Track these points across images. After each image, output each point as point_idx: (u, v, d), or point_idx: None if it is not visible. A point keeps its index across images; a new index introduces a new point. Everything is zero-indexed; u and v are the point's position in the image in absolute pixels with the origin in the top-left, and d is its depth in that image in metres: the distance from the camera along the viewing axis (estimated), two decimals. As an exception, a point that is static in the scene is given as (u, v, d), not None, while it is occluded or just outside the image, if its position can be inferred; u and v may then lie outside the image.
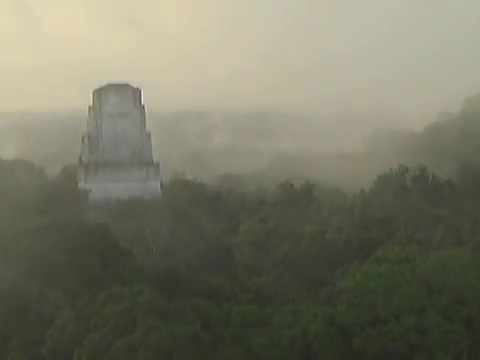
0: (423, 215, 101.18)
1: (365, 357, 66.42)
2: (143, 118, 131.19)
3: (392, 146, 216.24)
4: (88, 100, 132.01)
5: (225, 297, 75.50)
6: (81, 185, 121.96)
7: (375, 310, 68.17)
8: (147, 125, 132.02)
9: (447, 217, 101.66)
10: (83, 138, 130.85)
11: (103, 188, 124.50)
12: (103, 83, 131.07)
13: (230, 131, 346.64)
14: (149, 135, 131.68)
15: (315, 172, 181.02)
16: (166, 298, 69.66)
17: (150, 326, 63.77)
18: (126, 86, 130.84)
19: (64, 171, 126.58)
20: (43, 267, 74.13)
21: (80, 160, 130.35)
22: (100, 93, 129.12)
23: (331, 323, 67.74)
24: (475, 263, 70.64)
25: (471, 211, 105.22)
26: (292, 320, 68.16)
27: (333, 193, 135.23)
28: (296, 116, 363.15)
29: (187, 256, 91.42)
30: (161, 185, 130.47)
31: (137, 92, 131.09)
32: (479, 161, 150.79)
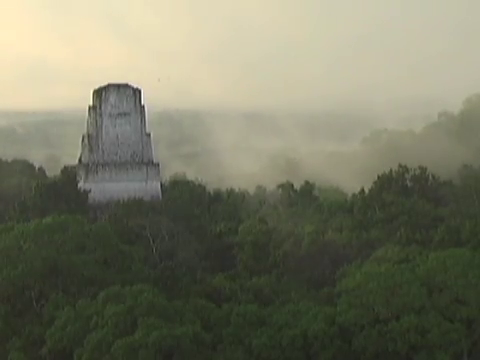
0: (423, 215, 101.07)
1: (365, 357, 66.47)
2: (143, 118, 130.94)
3: (392, 146, 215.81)
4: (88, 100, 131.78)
5: (225, 297, 75.55)
6: (81, 185, 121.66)
7: (375, 310, 68.20)
8: (147, 125, 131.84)
9: (447, 217, 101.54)
10: (83, 138, 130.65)
11: (103, 188, 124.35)
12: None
13: (230, 131, 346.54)
14: (149, 135, 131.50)
15: (315, 172, 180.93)
16: (166, 298, 69.67)
17: (150, 326, 63.78)
18: (126, 86, 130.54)
19: (64, 171, 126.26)
20: (43, 267, 74.13)
21: (80, 160, 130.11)
22: (100, 93, 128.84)
23: (331, 323, 67.80)
24: (475, 263, 70.64)
25: (471, 211, 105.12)
26: (292, 320, 68.22)
27: (333, 193, 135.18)
28: (295, 115, 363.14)
29: (187, 256, 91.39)
30: (161, 185, 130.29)
31: (137, 92, 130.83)
32: (479, 161, 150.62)
